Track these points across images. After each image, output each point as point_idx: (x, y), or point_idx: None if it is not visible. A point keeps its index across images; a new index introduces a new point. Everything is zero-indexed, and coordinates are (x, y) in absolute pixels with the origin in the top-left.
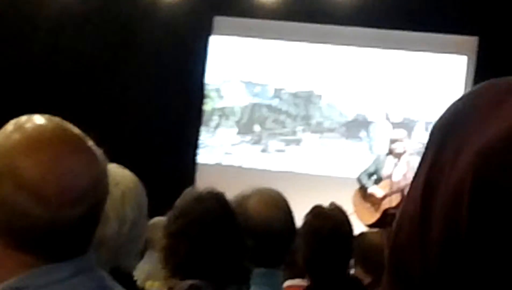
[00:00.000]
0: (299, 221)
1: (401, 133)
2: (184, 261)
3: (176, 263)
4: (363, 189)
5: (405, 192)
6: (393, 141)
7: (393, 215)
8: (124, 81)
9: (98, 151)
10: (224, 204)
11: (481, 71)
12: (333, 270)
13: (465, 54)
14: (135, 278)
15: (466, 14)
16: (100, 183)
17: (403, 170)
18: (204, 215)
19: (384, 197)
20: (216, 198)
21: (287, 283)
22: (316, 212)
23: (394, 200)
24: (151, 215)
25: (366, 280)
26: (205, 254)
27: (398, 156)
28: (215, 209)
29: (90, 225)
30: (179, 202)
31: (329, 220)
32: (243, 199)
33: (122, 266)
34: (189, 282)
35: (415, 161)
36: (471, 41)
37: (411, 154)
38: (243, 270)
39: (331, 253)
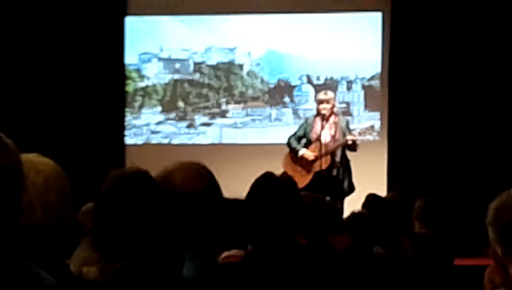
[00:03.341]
0: (234, 190)
1: (328, 94)
2: (112, 243)
3: (105, 245)
4: (293, 153)
5: (336, 153)
6: (320, 103)
7: (324, 177)
8: (43, 67)
9: (8, 141)
10: (148, 182)
11: (396, 26)
12: (276, 236)
13: (380, 11)
14: (70, 265)
15: None
16: (13, 173)
17: (332, 131)
18: (129, 195)
19: (315, 159)
20: (140, 177)
21: (224, 254)
22: (264, 179)
23: (325, 162)
24: (84, 201)
25: None
26: (134, 234)
27: (326, 117)
28: (139, 188)
29: (5, 214)
30: (104, 184)
31: (275, 187)
32: (168, 175)
33: (52, 254)
34: (119, 264)
35: (343, 121)
36: None
37: (337, 114)
38: (174, 247)
39: (276, 220)
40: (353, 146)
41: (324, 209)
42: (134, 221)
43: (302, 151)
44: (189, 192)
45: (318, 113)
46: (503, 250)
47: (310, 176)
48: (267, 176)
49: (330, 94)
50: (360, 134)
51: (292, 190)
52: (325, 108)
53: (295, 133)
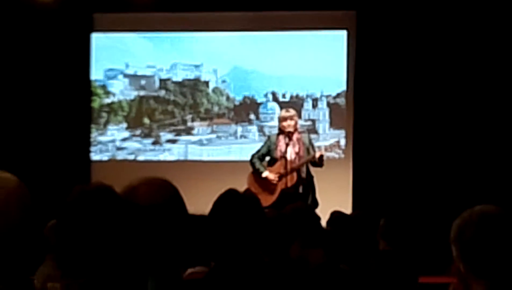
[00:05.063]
0: (199, 207)
1: (290, 111)
2: (75, 259)
3: (68, 261)
4: (257, 172)
5: (301, 170)
6: (283, 120)
7: (290, 195)
8: (9, 84)
9: None
10: (112, 197)
11: (361, 44)
12: (238, 253)
13: (345, 29)
14: (34, 281)
15: None
16: None
17: (296, 149)
18: (91, 210)
19: (279, 180)
20: (103, 191)
21: (189, 271)
22: (226, 196)
23: (290, 180)
24: (50, 217)
25: None
26: (96, 250)
27: (289, 134)
28: (102, 203)
29: None
30: (67, 200)
31: (238, 203)
32: (132, 190)
33: (16, 270)
34: (82, 280)
35: (306, 138)
36: (350, 15)
37: (301, 131)
38: (138, 262)
39: (238, 236)
40: (320, 162)
41: (298, 222)
42: (97, 236)
43: (265, 174)
44: (153, 207)
45: (281, 131)
46: (465, 267)
47: (276, 194)
48: (230, 193)
49: (292, 111)
50: (326, 150)
51: (254, 206)
52: (289, 125)
53: (258, 151)
